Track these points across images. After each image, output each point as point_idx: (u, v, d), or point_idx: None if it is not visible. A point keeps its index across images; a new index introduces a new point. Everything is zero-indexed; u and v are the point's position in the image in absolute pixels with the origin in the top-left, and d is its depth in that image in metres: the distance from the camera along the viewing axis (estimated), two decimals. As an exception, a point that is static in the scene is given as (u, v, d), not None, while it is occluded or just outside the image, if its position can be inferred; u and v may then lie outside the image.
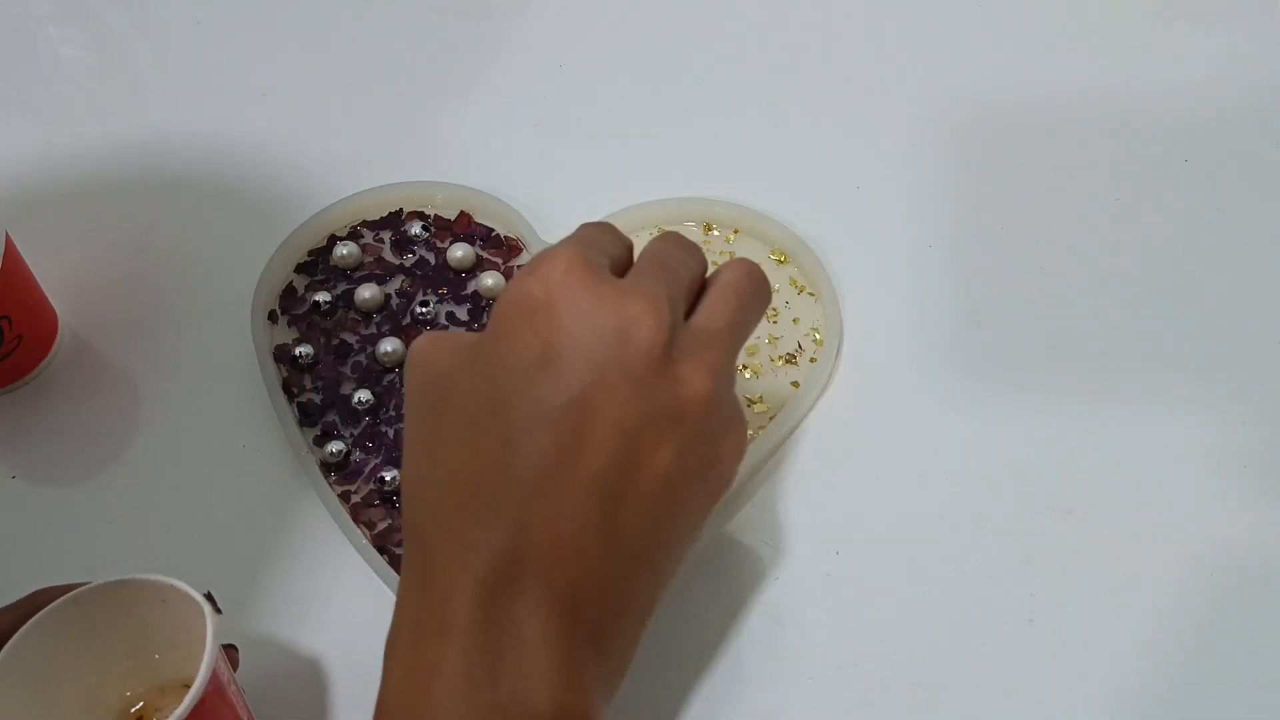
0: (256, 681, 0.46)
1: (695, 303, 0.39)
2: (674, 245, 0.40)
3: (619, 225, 0.55)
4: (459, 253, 0.54)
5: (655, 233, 0.55)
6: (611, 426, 0.35)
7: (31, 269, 0.52)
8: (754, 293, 0.40)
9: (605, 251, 0.38)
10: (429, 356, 0.38)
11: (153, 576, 0.40)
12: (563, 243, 0.38)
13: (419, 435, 0.38)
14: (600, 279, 0.36)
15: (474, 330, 0.53)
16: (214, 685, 0.39)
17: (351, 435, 0.51)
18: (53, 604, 0.39)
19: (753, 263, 0.40)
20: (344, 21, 0.64)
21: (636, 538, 0.36)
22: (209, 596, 0.41)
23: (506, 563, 0.34)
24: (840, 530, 0.48)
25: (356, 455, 0.50)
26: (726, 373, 0.38)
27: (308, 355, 0.52)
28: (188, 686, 0.43)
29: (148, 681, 0.44)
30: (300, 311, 0.54)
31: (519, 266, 0.55)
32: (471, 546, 0.35)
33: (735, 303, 0.39)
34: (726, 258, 0.55)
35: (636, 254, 0.40)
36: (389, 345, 0.52)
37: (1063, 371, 0.52)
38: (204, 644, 0.39)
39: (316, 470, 0.50)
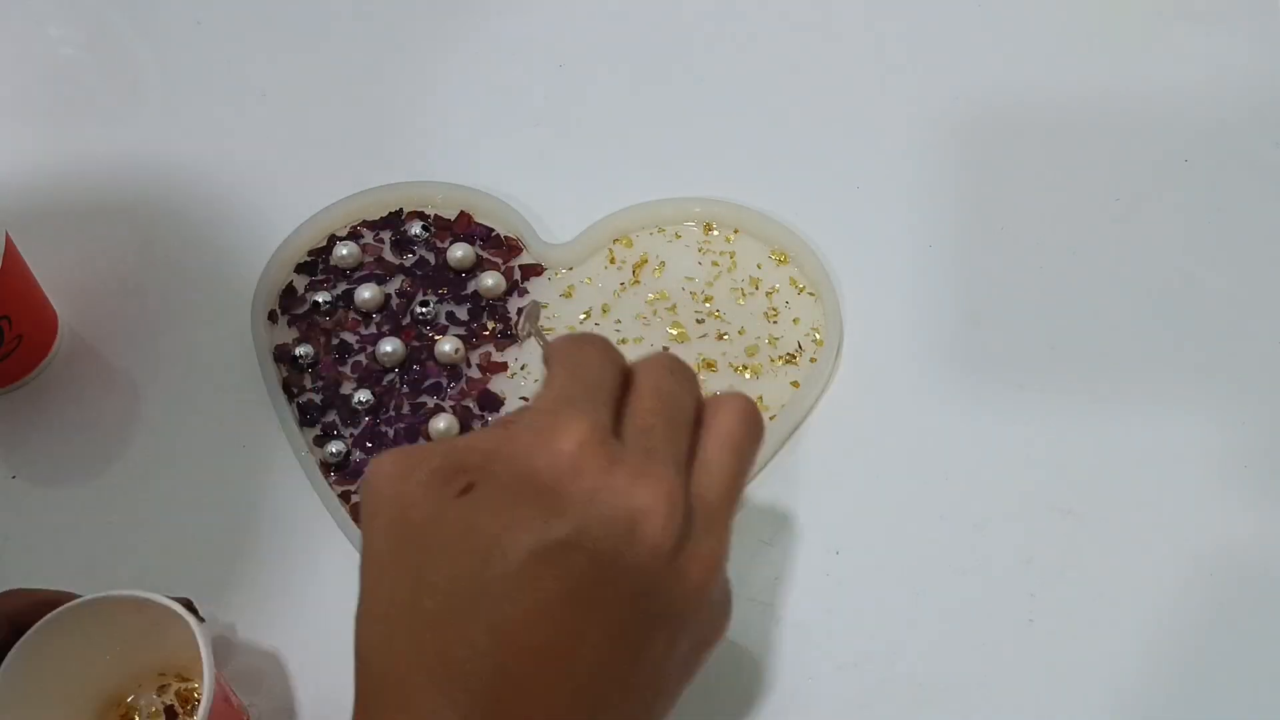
0: (255, 681, 0.46)
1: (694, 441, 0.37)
2: (674, 380, 0.37)
3: (620, 225, 0.55)
4: (459, 253, 0.54)
5: (655, 234, 0.55)
6: (609, 625, 0.33)
7: (31, 269, 0.52)
8: (751, 441, 0.37)
9: (606, 395, 0.36)
10: (397, 487, 0.34)
11: (130, 592, 0.40)
12: (566, 395, 0.35)
13: (388, 596, 0.34)
14: (612, 459, 0.34)
15: (472, 328, 0.53)
16: (218, 692, 0.39)
17: (351, 435, 0.51)
18: (28, 632, 0.39)
19: (746, 400, 0.38)
20: (344, 21, 0.64)
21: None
22: (189, 605, 0.41)
23: None
24: (840, 530, 0.48)
25: (356, 455, 0.50)
26: (723, 560, 0.36)
27: (308, 355, 0.52)
28: (163, 674, 0.44)
29: (128, 676, 0.44)
30: (300, 311, 0.54)
31: (520, 267, 0.55)
32: None
33: (734, 464, 0.37)
34: (727, 258, 0.55)
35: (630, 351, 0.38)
36: (389, 345, 0.52)
37: (1063, 371, 0.52)
38: (184, 639, 0.39)
39: (316, 470, 0.50)
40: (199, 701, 0.39)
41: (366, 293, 0.53)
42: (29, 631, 0.39)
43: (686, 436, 0.36)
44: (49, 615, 0.40)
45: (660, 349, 0.52)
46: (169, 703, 0.45)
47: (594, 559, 0.33)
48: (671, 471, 0.34)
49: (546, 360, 0.38)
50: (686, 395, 0.37)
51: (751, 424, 0.37)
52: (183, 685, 0.45)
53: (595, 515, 0.33)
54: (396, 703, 0.33)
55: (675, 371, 0.38)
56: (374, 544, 0.35)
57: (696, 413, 0.37)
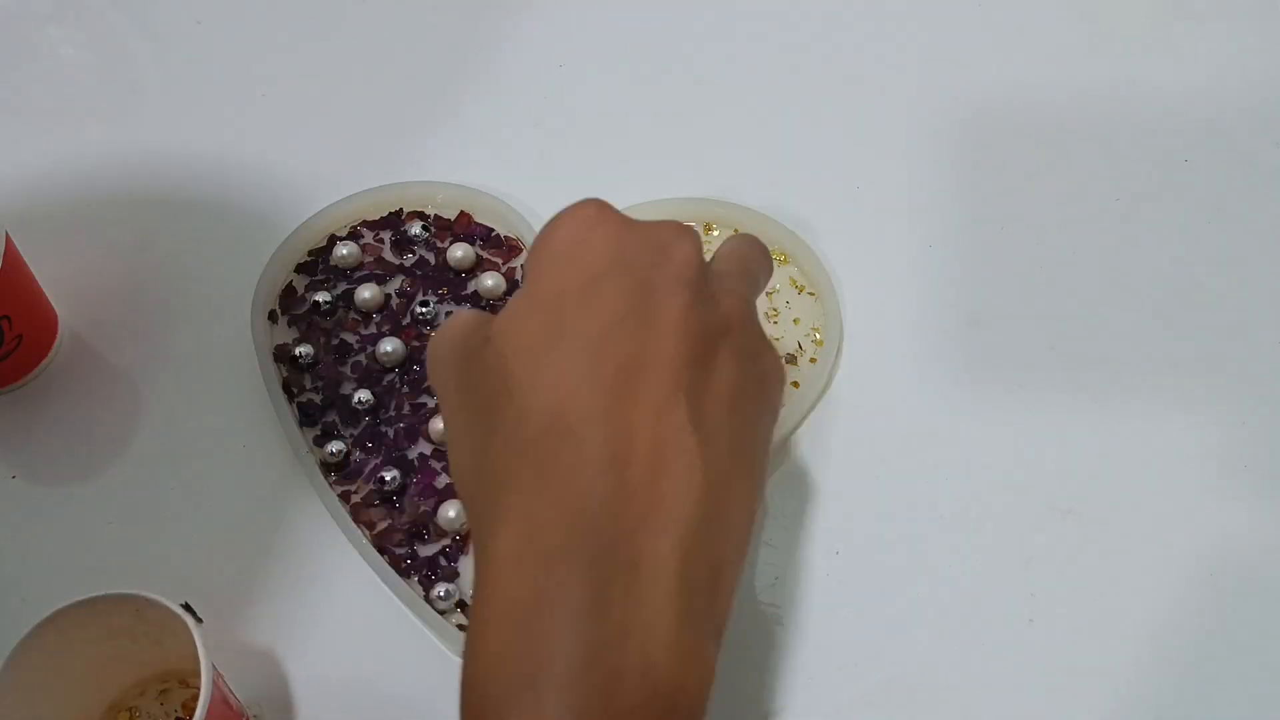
0: (255, 683, 0.46)
1: None
2: (674, 226, 0.40)
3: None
4: (459, 253, 0.54)
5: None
6: (676, 330, 0.35)
7: (31, 269, 0.52)
8: (757, 261, 0.42)
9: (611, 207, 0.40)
10: (446, 337, 0.39)
11: (129, 593, 0.40)
12: (580, 202, 0.39)
13: (463, 417, 0.37)
14: (627, 219, 0.38)
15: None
16: (216, 694, 0.39)
17: (351, 435, 0.51)
18: (27, 632, 0.39)
19: (755, 238, 0.43)
20: (344, 21, 0.64)
21: (725, 444, 0.35)
22: (188, 607, 0.41)
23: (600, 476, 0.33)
24: (840, 530, 0.48)
25: (356, 455, 0.50)
26: (754, 305, 0.39)
27: (308, 355, 0.52)
28: (165, 680, 0.44)
29: (129, 678, 0.44)
30: (300, 311, 0.54)
31: (521, 266, 0.55)
32: (563, 465, 0.33)
33: (742, 271, 0.40)
34: (726, 258, 0.55)
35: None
36: (389, 345, 0.52)
37: (1063, 371, 0.52)
38: (184, 640, 0.39)
39: (316, 470, 0.50)
40: None
41: (366, 293, 0.53)
42: (28, 632, 0.39)
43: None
44: (48, 615, 0.40)
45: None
46: (175, 711, 0.45)
47: (637, 280, 0.36)
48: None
49: None
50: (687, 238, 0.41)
51: (759, 249, 0.42)
52: (186, 692, 0.45)
53: (626, 247, 0.36)
54: (549, 430, 0.34)
55: (676, 224, 0.40)
56: (445, 380, 0.38)
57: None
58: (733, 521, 0.35)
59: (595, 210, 0.38)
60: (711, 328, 0.36)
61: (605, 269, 0.36)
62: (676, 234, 0.37)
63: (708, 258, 0.40)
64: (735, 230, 0.55)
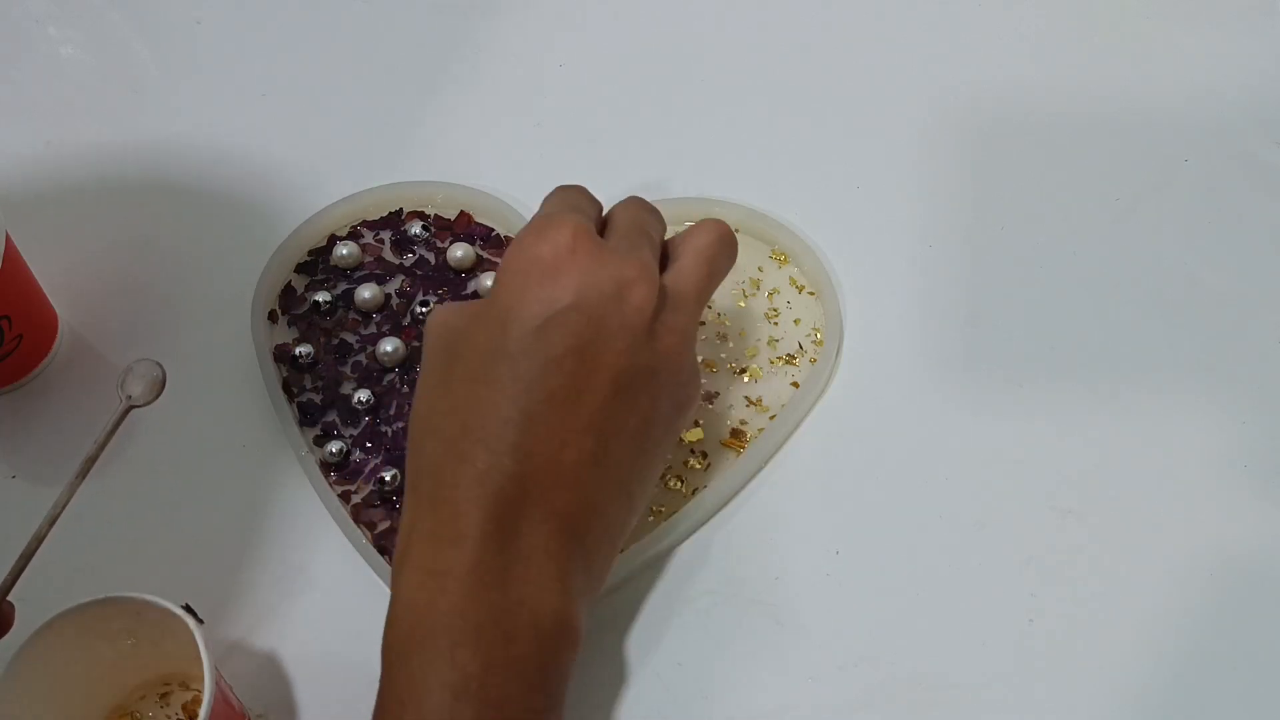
0: (256, 682, 0.46)
1: (664, 259, 0.44)
2: (643, 210, 0.46)
3: (619, 225, 0.55)
4: (459, 253, 0.54)
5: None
6: (608, 373, 0.40)
7: (31, 269, 0.52)
8: (724, 255, 0.45)
9: (588, 215, 0.44)
10: (445, 319, 0.42)
11: (130, 595, 0.40)
12: (558, 209, 0.43)
13: (433, 379, 0.42)
14: (600, 246, 0.41)
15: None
16: (218, 695, 0.39)
17: (351, 435, 0.51)
18: (29, 636, 0.39)
19: (722, 224, 0.46)
20: (344, 21, 0.64)
21: (621, 470, 0.41)
22: (188, 608, 0.41)
23: (514, 484, 0.39)
24: (840, 530, 0.48)
25: (356, 455, 0.50)
26: (692, 335, 0.43)
27: (308, 355, 0.52)
28: (166, 683, 0.44)
29: (130, 680, 0.44)
30: (300, 311, 0.54)
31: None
32: (482, 469, 0.39)
33: (706, 269, 0.44)
34: (726, 258, 0.55)
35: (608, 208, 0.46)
36: (389, 345, 0.52)
37: (1063, 371, 0.52)
38: (185, 641, 0.39)
39: (316, 470, 0.50)
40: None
41: (366, 293, 0.53)
42: (28, 638, 0.39)
43: (657, 248, 0.44)
44: (50, 619, 0.40)
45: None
46: (176, 714, 0.45)
47: (591, 319, 0.40)
48: (647, 255, 0.43)
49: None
50: (653, 219, 0.46)
51: (724, 241, 0.46)
52: (186, 694, 0.45)
53: (590, 284, 0.40)
54: (440, 458, 0.40)
55: (644, 205, 0.46)
56: (427, 361, 0.42)
57: (663, 237, 0.46)
58: (610, 528, 0.42)
59: (570, 238, 0.41)
60: (644, 370, 0.41)
61: (566, 305, 0.40)
62: (638, 274, 0.41)
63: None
64: (736, 230, 0.55)
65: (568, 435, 0.40)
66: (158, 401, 0.46)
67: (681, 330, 0.42)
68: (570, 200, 0.45)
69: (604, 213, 0.46)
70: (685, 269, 0.44)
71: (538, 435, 0.39)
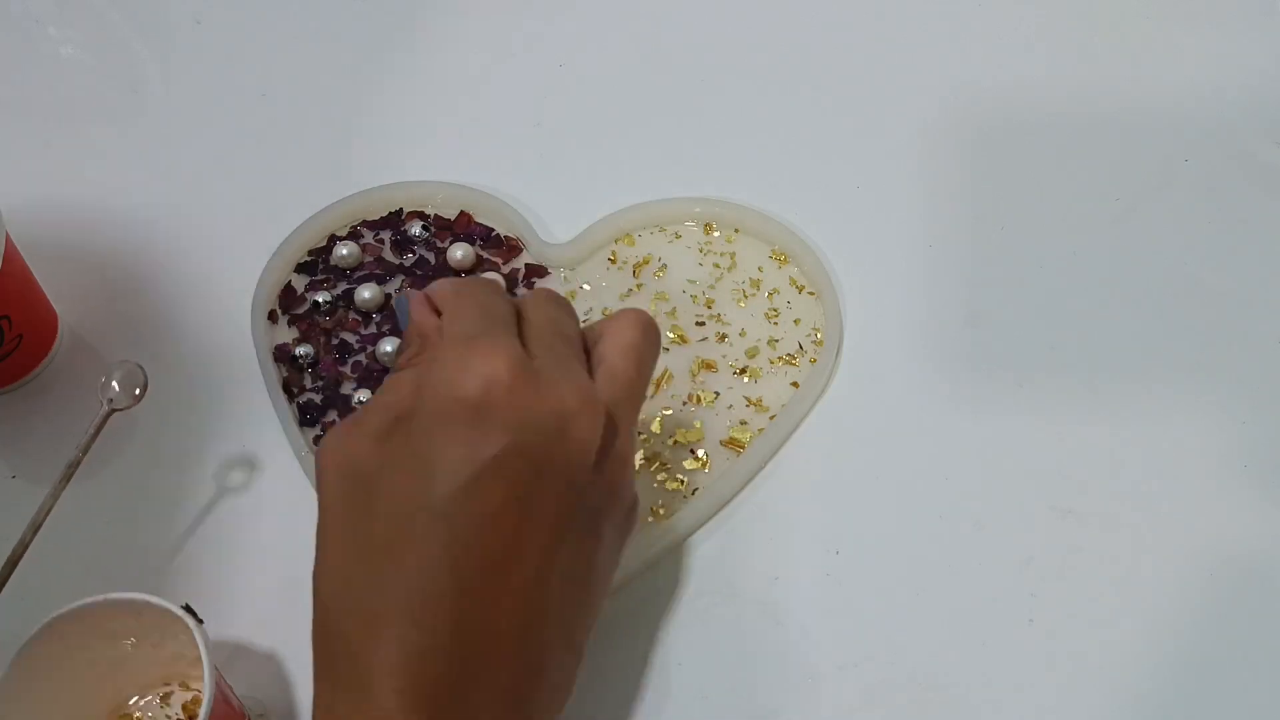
0: (256, 684, 0.46)
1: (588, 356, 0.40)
2: (558, 308, 0.40)
3: (619, 225, 0.55)
4: (459, 253, 0.54)
5: (656, 233, 0.55)
6: (550, 520, 0.36)
7: (31, 269, 0.52)
8: (650, 352, 0.40)
9: (510, 328, 0.38)
10: (346, 450, 0.36)
11: (130, 595, 0.40)
12: (478, 327, 0.37)
13: (340, 531, 0.36)
14: (535, 374, 0.36)
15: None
16: (219, 695, 0.39)
17: (351, 435, 0.51)
18: (28, 637, 0.39)
19: (640, 313, 0.41)
20: (343, 21, 0.64)
21: (567, 623, 0.37)
22: (188, 608, 0.41)
23: (451, 664, 0.35)
24: (840, 530, 0.48)
25: (356, 455, 0.50)
26: (633, 455, 0.40)
27: (308, 355, 0.52)
28: (166, 683, 0.44)
29: (130, 681, 0.44)
30: (300, 311, 0.54)
31: (524, 265, 0.55)
32: (412, 651, 0.34)
33: (635, 371, 0.39)
34: (727, 258, 0.55)
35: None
36: (389, 345, 0.52)
37: (1063, 371, 0.52)
38: (185, 641, 0.39)
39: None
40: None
41: (366, 293, 0.53)
42: (28, 639, 0.39)
43: (582, 356, 0.39)
44: (50, 619, 0.40)
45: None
46: (176, 715, 0.45)
47: (531, 462, 0.35)
48: (586, 378, 0.38)
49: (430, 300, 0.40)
50: (570, 320, 0.40)
51: (648, 332, 0.40)
52: (186, 694, 0.45)
53: (528, 423, 0.35)
54: (360, 637, 0.35)
55: (558, 302, 0.41)
56: (327, 505, 0.37)
57: (581, 335, 0.40)
58: (558, 688, 0.38)
59: (503, 370, 0.35)
60: (588, 513, 0.37)
61: (501, 451, 0.35)
62: (579, 404, 0.36)
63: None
64: (736, 230, 0.55)
65: (507, 599, 0.35)
66: (157, 402, 0.46)
67: (625, 457, 0.38)
68: (486, 309, 0.39)
69: (515, 305, 0.41)
70: (616, 374, 0.39)
71: (475, 604, 0.35)
